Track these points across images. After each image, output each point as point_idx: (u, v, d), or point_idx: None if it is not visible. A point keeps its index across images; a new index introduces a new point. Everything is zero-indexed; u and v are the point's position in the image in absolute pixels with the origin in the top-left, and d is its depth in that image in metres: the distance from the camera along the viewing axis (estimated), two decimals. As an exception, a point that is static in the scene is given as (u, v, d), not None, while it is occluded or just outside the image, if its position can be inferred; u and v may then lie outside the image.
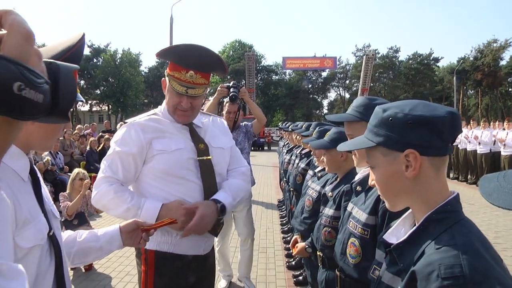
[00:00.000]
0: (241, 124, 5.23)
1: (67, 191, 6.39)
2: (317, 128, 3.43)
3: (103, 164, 2.33)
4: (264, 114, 5.10)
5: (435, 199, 1.18)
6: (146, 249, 2.29)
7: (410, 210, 1.30)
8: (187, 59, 2.24)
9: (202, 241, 2.40)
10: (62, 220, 6.01)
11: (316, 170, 3.58)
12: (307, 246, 2.89)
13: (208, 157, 2.39)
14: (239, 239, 5.30)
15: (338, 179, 2.84)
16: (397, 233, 1.28)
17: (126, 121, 2.45)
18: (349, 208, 2.12)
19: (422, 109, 1.20)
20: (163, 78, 2.41)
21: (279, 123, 23.54)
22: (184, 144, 2.36)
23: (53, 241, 1.35)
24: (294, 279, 5.42)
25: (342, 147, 1.42)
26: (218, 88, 4.83)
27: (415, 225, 1.25)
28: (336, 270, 2.16)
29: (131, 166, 2.30)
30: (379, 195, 1.77)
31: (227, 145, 2.60)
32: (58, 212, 1.38)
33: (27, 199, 1.29)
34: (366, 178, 2.03)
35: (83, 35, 1.30)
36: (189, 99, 2.30)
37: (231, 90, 4.80)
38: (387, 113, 1.23)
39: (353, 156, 2.04)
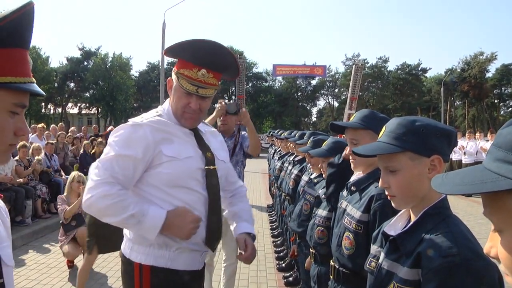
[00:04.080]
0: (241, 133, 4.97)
1: (65, 194, 6.46)
2: (311, 138, 3.76)
3: (98, 168, 2.05)
4: (253, 122, 4.79)
5: (430, 198, 1.46)
6: (141, 263, 2.11)
7: (405, 209, 1.56)
8: (200, 56, 2.09)
9: (199, 256, 2.25)
10: (60, 222, 6.17)
11: (312, 177, 3.84)
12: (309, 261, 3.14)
13: (214, 167, 2.24)
14: (222, 254, 4.76)
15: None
16: (395, 226, 1.53)
17: (129, 120, 2.19)
18: (343, 206, 2.37)
19: (441, 124, 1.54)
20: (169, 78, 2.24)
21: (269, 130, 23.79)
22: (194, 152, 2.19)
23: None
24: (285, 280, 5.66)
25: (365, 151, 1.59)
26: (218, 105, 4.58)
27: (409, 219, 1.53)
28: (331, 260, 2.40)
29: (132, 172, 2.07)
30: (372, 196, 2.06)
31: (227, 160, 2.48)
32: (12, 260, 1.17)
33: None
34: (360, 180, 2.31)
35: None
36: (198, 100, 2.14)
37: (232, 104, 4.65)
38: (418, 124, 1.50)
39: (351, 160, 2.31)
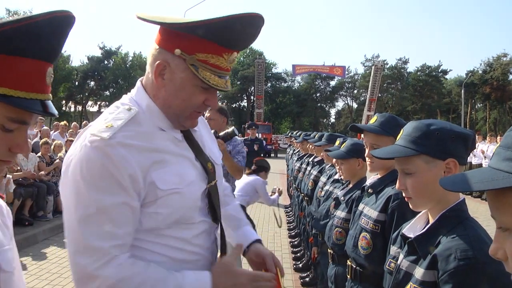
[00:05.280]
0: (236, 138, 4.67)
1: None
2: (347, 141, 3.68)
3: (82, 238, 1.33)
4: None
5: (448, 200, 1.48)
6: None
7: (424, 211, 1.58)
8: (234, 36, 1.46)
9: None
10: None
11: (336, 177, 3.90)
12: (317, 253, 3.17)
13: (215, 181, 1.66)
14: None
15: (351, 185, 3.16)
16: (414, 228, 1.55)
17: (91, 132, 1.40)
18: (360, 208, 2.43)
19: (457, 128, 1.55)
20: (159, 62, 1.47)
21: (288, 131, 23.84)
22: (194, 171, 1.56)
23: None
24: (301, 280, 5.70)
25: (381, 154, 1.64)
26: None
27: (428, 221, 1.55)
28: (348, 260, 2.44)
29: (133, 224, 1.41)
30: (389, 196, 2.09)
31: (220, 158, 1.82)
32: (13, 265, 1.13)
33: None
34: (377, 182, 2.38)
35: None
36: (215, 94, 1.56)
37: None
38: (433, 127, 1.52)
39: (368, 162, 2.35)
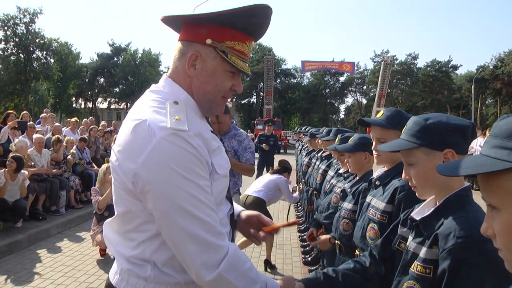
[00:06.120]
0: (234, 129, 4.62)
1: (97, 185, 6.73)
2: (339, 135, 3.85)
3: (192, 219, 1.42)
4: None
5: (452, 186, 1.57)
6: None
7: (432, 196, 1.67)
8: (253, 24, 1.62)
9: None
10: (94, 212, 6.43)
11: (341, 171, 4.00)
12: (331, 237, 3.22)
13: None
14: None
15: (357, 178, 3.25)
16: (421, 212, 1.64)
17: (156, 122, 1.46)
18: (367, 200, 2.52)
19: (455, 120, 1.64)
20: (192, 52, 1.59)
21: (296, 127, 23.86)
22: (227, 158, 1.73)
23: None
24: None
25: (386, 148, 1.76)
26: None
27: (435, 205, 1.64)
28: (356, 250, 2.52)
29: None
30: (396, 188, 2.17)
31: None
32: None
33: None
34: (384, 175, 2.46)
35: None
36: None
37: None
38: (430, 121, 1.62)
39: (375, 155, 2.42)
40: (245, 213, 1.95)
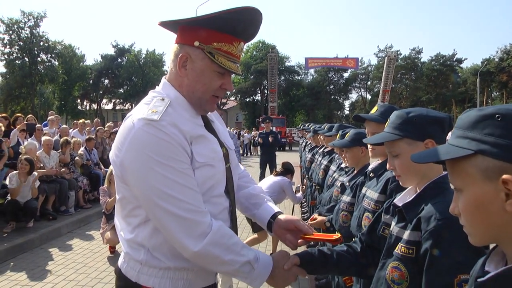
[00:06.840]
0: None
1: (105, 185, 6.84)
2: (340, 131, 3.99)
3: (169, 198, 1.58)
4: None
5: (431, 175, 1.70)
6: None
7: (413, 185, 1.80)
8: (243, 27, 1.73)
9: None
10: (102, 211, 6.60)
11: (343, 165, 4.13)
12: (326, 221, 3.37)
13: (229, 164, 1.91)
14: None
15: (355, 172, 3.39)
16: (403, 199, 1.77)
17: (139, 117, 1.62)
18: (363, 191, 2.67)
19: (434, 113, 1.77)
20: (181, 54, 1.73)
21: (300, 124, 23.96)
22: (219, 150, 1.83)
23: None
24: (317, 282, 5.50)
25: (371, 140, 1.90)
26: None
27: (416, 193, 1.78)
28: (354, 238, 2.64)
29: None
30: (388, 179, 2.31)
31: (233, 144, 2.06)
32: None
33: None
34: (377, 167, 2.62)
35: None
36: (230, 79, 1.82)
37: None
38: (411, 114, 1.75)
39: (369, 149, 2.57)
40: (284, 217, 2.04)
